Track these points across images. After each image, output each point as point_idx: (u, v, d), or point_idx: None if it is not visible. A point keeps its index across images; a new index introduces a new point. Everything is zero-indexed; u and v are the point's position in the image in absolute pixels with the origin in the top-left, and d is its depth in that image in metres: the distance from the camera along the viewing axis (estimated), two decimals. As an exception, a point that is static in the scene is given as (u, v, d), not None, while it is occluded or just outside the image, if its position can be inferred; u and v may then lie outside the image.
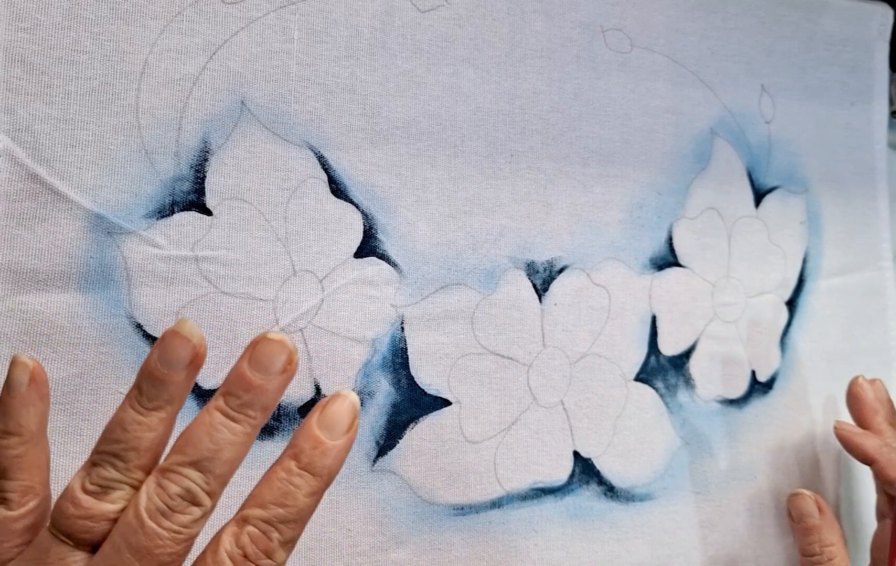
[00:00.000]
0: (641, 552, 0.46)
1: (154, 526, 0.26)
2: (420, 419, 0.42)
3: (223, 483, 0.27)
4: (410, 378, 0.41)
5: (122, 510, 0.26)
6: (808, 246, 0.54)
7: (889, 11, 0.57)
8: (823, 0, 0.55)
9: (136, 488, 0.27)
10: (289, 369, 0.28)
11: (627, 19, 0.48)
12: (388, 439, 0.41)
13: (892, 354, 0.57)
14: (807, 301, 0.54)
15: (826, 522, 0.46)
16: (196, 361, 0.27)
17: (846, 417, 0.50)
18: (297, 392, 0.39)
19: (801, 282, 0.53)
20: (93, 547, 0.26)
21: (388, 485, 0.41)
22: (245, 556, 0.26)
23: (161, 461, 0.27)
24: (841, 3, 0.56)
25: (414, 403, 0.41)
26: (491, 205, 0.44)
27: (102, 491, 0.26)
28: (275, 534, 0.27)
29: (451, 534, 0.42)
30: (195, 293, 0.37)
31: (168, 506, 0.26)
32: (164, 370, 0.27)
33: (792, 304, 0.53)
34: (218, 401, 0.27)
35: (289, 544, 0.27)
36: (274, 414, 0.38)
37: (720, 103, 0.51)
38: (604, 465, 0.46)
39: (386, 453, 0.41)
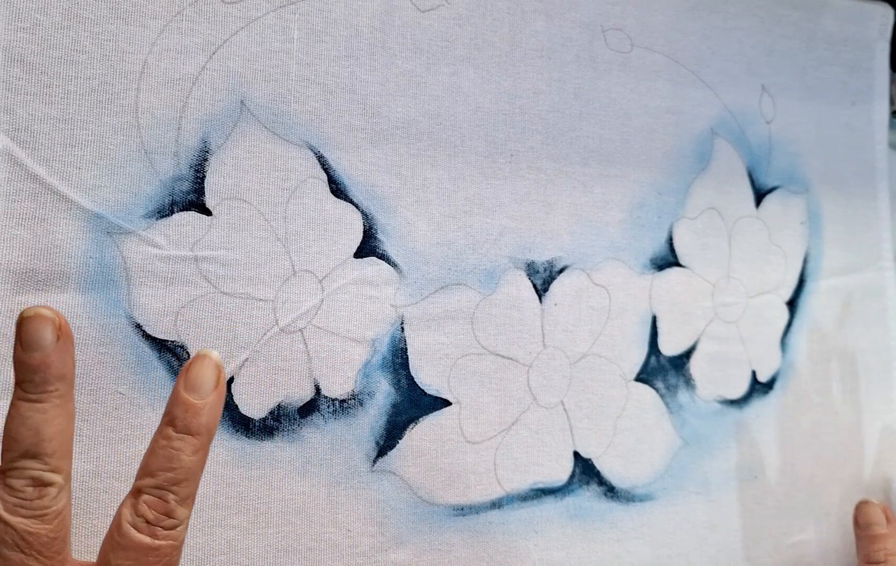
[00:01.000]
0: (642, 552, 0.46)
1: (19, 519, 0.27)
2: (420, 419, 0.41)
3: (63, 455, 0.28)
4: (410, 378, 0.41)
5: None
6: (809, 246, 0.54)
7: (889, 11, 0.57)
8: (824, 0, 0.55)
9: None
10: (61, 335, 0.28)
11: (628, 19, 0.48)
12: (388, 439, 0.41)
13: (893, 354, 0.57)
14: (807, 301, 0.53)
15: (893, 531, 0.47)
16: None
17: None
18: (297, 392, 0.39)
19: (801, 282, 0.53)
20: None
21: (388, 485, 0.41)
22: (148, 522, 0.28)
23: None
24: (841, 3, 0.55)
25: (414, 403, 0.41)
26: (491, 205, 0.43)
27: None
28: (170, 496, 0.28)
29: (451, 534, 0.42)
30: (195, 293, 0.37)
31: (22, 499, 0.27)
32: None
33: (792, 305, 0.53)
34: (17, 391, 0.28)
35: (187, 500, 0.29)
36: (274, 414, 0.38)
37: (720, 103, 0.51)
38: (604, 466, 0.46)
39: (386, 454, 0.41)
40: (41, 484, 0.27)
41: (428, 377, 0.42)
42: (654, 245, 0.48)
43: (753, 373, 0.51)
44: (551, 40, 0.45)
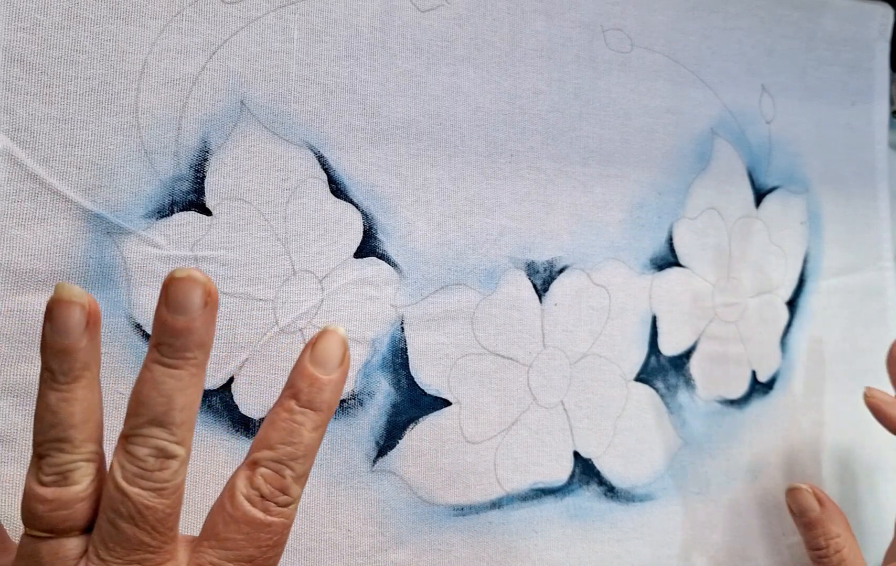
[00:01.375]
0: (642, 552, 0.46)
1: (137, 490, 0.26)
2: (420, 419, 0.41)
3: (189, 428, 0.27)
4: (410, 378, 0.41)
5: (91, 486, 0.26)
6: (809, 246, 0.54)
7: (889, 11, 0.57)
8: (824, 0, 0.55)
9: (93, 461, 0.26)
10: (209, 301, 0.26)
11: (628, 19, 0.48)
12: (388, 439, 0.41)
13: (893, 354, 0.57)
14: (807, 301, 0.53)
15: (828, 514, 0.45)
16: (92, 319, 0.26)
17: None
18: (296, 392, 0.39)
19: (801, 282, 0.53)
20: (81, 529, 0.26)
21: (388, 485, 0.41)
22: (262, 496, 0.27)
23: (122, 427, 0.27)
24: (841, 3, 0.55)
25: (414, 403, 0.41)
26: (491, 205, 0.43)
27: (62, 477, 0.26)
28: (287, 472, 0.27)
29: (451, 534, 0.42)
30: (195, 293, 0.37)
31: (143, 469, 0.26)
32: (64, 341, 0.26)
33: (792, 305, 0.53)
34: (153, 353, 0.26)
35: (301, 478, 0.28)
36: (274, 414, 0.38)
37: (720, 103, 0.51)
38: (604, 466, 0.46)
39: (386, 454, 0.41)
40: (165, 455, 0.26)
41: (428, 377, 0.42)
42: (654, 245, 0.48)
43: (753, 373, 0.51)
44: (551, 40, 0.45)
